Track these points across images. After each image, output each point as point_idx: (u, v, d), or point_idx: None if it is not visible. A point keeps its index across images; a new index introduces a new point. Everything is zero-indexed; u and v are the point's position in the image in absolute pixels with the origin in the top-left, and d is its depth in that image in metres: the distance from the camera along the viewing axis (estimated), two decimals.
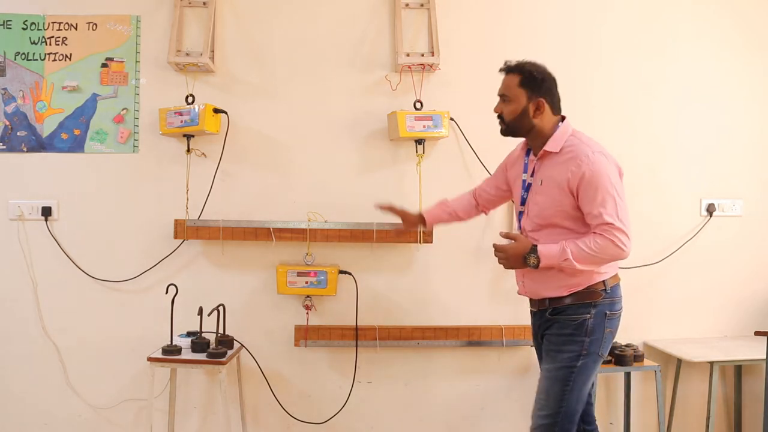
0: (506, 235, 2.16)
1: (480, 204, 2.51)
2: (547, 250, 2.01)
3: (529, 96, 2.09)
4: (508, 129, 2.16)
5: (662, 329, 3.06)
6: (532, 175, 2.15)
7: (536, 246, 2.03)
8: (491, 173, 2.94)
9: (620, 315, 2.13)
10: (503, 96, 2.14)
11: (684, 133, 3.06)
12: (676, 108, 3.06)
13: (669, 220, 3.06)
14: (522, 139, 2.25)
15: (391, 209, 2.56)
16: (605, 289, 2.07)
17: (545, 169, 2.10)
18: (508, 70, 2.14)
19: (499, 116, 2.16)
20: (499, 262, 2.15)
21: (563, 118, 2.14)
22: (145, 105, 2.91)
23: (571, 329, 2.06)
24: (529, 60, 2.14)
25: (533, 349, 2.37)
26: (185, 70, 2.88)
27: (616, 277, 2.12)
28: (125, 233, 2.91)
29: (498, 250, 2.13)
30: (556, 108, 2.13)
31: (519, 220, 2.22)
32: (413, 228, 2.68)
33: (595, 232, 1.98)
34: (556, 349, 2.09)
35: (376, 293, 2.95)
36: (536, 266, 2.03)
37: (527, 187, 2.17)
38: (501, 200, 2.50)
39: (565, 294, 2.07)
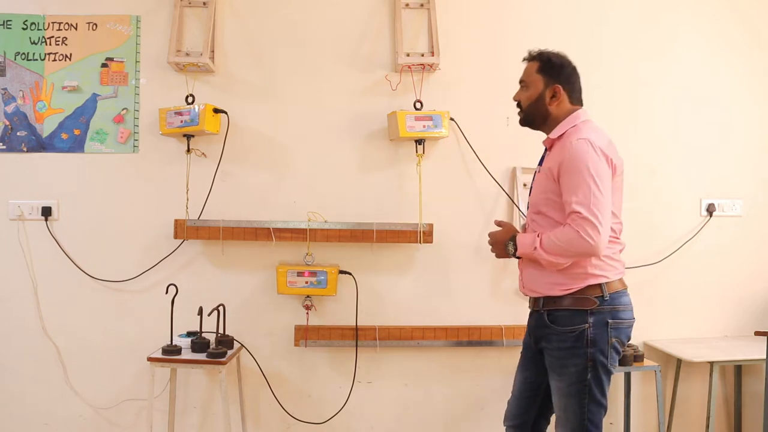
0: (498, 223, 2.17)
1: None
2: (522, 239, 2.00)
3: (546, 82, 2.04)
4: (526, 116, 2.11)
5: (662, 329, 3.06)
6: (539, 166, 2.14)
7: (516, 234, 2.04)
8: (491, 173, 2.94)
9: (630, 326, 2.02)
10: (522, 82, 2.11)
11: (684, 133, 3.06)
12: (677, 108, 3.06)
13: (669, 220, 3.06)
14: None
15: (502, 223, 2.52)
16: (602, 296, 1.95)
17: (547, 158, 2.07)
18: (530, 58, 2.11)
19: (518, 104, 2.12)
20: (491, 251, 2.15)
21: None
22: (145, 105, 2.91)
23: (571, 341, 1.94)
24: (552, 50, 2.10)
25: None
26: (185, 70, 2.87)
27: (619, 282, 2.00)
28: (125, 233, 2.91)
29: (489, 236, 2.15)
30: (574, 98, 2.07)
31: None
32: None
33: (566, 222, 1.89)
34: (560, 364, 1.98)
35: (376, 293, 2.95)
36: (513, 254, 2.02)
37: (534, 179, 2.15)
38: None
39: (559, 294, 1.96)
